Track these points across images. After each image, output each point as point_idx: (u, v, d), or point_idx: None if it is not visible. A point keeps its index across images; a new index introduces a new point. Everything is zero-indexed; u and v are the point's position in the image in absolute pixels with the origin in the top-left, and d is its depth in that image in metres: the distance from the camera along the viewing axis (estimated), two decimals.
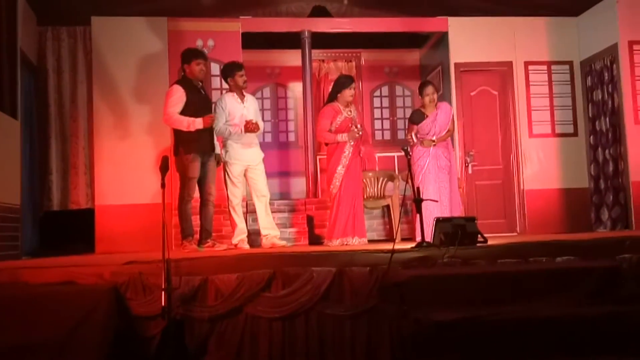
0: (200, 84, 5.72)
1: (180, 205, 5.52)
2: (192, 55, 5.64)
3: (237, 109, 5.79)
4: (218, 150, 5.79)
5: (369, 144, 6.26)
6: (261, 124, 5.95)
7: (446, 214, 5.85)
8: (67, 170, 7.13)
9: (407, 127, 6.53)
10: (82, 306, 3.30)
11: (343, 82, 6.06)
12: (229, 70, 5.86)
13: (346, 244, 5.77)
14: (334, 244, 5.80)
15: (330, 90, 6.30)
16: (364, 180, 7.00)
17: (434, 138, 6.08)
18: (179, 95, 5.48)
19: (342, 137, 5.93)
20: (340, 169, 5.92)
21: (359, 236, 5.88)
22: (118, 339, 3.33)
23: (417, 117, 6.24)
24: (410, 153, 5.31)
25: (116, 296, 3.44)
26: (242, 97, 5.86)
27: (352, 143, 5.94)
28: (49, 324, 3.23)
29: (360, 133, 5.92)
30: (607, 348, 3.24)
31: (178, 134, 5.53)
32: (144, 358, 3.44)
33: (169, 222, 6.32)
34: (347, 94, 5.98)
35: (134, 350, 3.44)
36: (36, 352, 3.15)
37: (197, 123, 5.40)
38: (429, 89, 6.17)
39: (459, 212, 6.12)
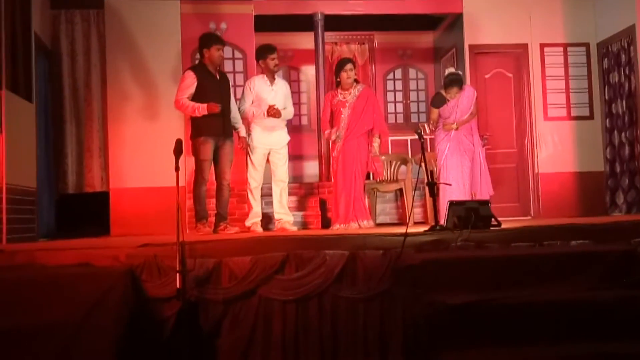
0: (218, 68, 5.72)
1: (195, 188, 5.56)
2: (212, 40, 5.64)
3: (265, 91, 5.82)
4: (244, 132, 5.82)
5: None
6: (290, 109, 6.01)
7: (467, 198, 5.83)
8: (81, 154, 7.17)
9: (428, 110, 6.43)
10: (97, 288, 3.34)
11: (339, 65, 6.01)
12: (261, 53, 5.89)
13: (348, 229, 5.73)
14: (336, 229, 5.78)
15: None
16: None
17: (454, 125, 6.00)
18: (189, 81, 5.52)
19: (327, 133, 5.97)
20: (335, 154, 5.93)
21: (361, 219, 5.82)
22: (133, 321, 3.36)
23: (438, 101, 6.15)
24: (424, 136, 5.26)
25: (132, 278, 3.47)
26: (272, 80, 5.87)
27: (344, 126, 5.86)
28: (65, 305, 3.27)
29: (334, 137, 5.84)
30: (621, 332, 3.23)
31: (192, 118, 5.58)
32: (159, 339, 3.48)
33: (183, 204, 6.38)
34: (343, 77, 5.89)
35: (149, 332, 3.48)
36: (52, 334, 3.20)
37: (202, 109, 5.43)
38: (454, 91, 6.04)
39: (488, 196, 5.97)
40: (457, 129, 6.00)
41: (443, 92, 6.14)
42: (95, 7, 7.10)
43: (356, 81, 6.00)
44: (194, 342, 3.48)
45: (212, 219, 5.68)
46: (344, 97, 5.92)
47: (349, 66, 5.90)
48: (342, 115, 5.88)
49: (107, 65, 6.92)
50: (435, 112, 6.15)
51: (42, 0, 6.75)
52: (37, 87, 6.24)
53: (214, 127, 5.51)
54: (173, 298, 3.40)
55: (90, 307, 3.28)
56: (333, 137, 5.92)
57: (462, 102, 6.05)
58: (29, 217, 5.80)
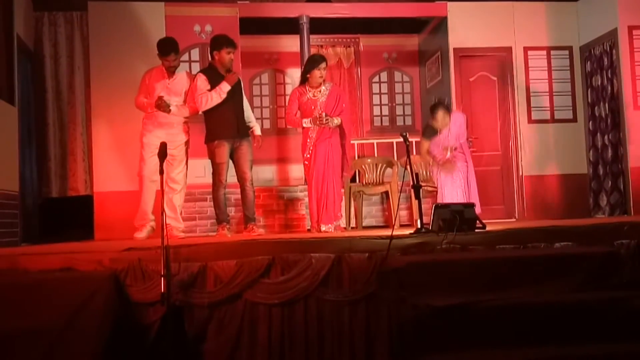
0: (228, 70, 5.67)
1: (213, 191, 5.57)
2: (224, 43, 5.62)
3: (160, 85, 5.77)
4: (259, 131, 5.85)
5: (347, 140, 5.84)
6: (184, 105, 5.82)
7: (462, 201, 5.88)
8: (65, 157, 7.12)
9: (420, 142, 6.38)
10: (81, 293, 3.31)
11: (313, 61, 5.78)
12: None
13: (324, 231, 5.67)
14: (322, 230, 5.73)
15: (302, 70, 6.02)
16: (363, 166, 7.00)
17: (448, 154, 6.01)
18: (202, 85, 5.53)
19: (306, 122, 5.73)
20: (307, 156, 5.77)
21: (326, 223, 5.66)
22: (117, 326, 3.34)
23: (429, 133, 6.15)
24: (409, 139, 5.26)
25: (115, 283, 3.44)
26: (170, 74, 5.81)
27: (315, 128, 5.69)
28: (47, 310, 3.24)
29: (326, 122, 5.62)
30: (605, 333, 3.25)
31: (207, 122, 5.59)
32: (143, 344, 3.45)
33: None
34: (317, 74, 5.69)
35: (133, 337, 3.45)
36: (35, 339, 3.16)
37: (224, 86, 5.46)
38: (439, 115, 6.00)
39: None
40: (449, 154, 6.02)
41: (433, 123, 6.11)
42: (79, 9, 7.06)
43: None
44: (178, 347, 3.46)
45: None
46: (314, 95, 5.75)
47: (323, 65, 5.72)
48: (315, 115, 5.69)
49: (90, 67, 6.87)
50: (425, 144, 6.14)
51: (25, 2, 6.69)
52: (19, 90, 6.18)
53: (228, 130, 5.53)
54: (157, 303, 3.36)
55: (73, 312, 3.25)
56: (324, 121, 5.60)
57: (453, 130, 6.05)
58: (11, 221, 5.73)
